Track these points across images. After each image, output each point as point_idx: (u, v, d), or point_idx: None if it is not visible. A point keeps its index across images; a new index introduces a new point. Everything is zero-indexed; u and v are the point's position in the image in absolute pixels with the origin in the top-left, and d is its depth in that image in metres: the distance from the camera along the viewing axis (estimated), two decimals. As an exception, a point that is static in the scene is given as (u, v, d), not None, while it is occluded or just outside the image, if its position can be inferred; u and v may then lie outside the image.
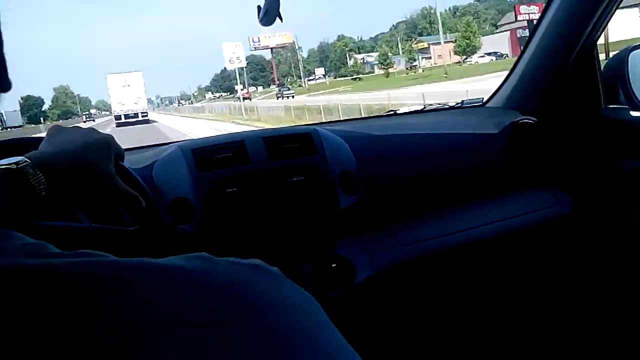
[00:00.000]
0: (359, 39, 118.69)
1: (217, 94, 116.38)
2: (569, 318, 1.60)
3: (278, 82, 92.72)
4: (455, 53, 62.46)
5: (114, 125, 37.27)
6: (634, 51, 1.50)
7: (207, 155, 1.22)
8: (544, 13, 1.50)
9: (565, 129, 1.51)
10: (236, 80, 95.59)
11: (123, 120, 39.91)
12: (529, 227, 1.45)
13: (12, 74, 0.36)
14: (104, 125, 41.07)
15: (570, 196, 1.49)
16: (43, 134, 0.93)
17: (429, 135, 1.49)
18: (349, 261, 1.25)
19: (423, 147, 1.46)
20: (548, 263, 1.54)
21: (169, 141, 1.42)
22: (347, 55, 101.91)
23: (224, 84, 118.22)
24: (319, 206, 1.24)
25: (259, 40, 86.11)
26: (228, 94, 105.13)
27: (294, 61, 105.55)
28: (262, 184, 1.20)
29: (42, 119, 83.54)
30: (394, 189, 1.38)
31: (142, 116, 41.12)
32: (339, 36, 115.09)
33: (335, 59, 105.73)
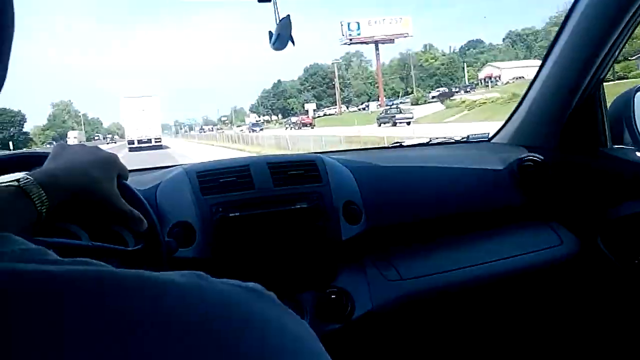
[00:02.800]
0: (452, 50, 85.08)
1: (266, 117, 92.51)
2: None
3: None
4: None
5: (127, 150, 37.28)
6: (640, 92, 1.51)
7: (211, 179, 1.22)
8: (549, 50, 1.51)
9: (571, 167, 1.51)
10: (295, 98, 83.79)
11: (136, 145, 39.33)
12: (533, 266, 1.43)
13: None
14: (118, 149, 41.28)
15: (575, 236, 1.48)
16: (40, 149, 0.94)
17: (434, 168, 1.49)
18: (348, 293, 1.24)
19: (427, 180, 1.46)
20: (551, 304, 1.52)
21: (174, 164, 1.43)
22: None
23: (276, 102, 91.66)
24: (321, 235, 1.23)
25: (359, 28, 56.56)
26: (280, 117, 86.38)
27: (366, 75, 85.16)
28: (266, 210, 1.20)
29: (11, 143, 58.57)
30: (397, 222, 1.38)
31: (156, 141, 40.54)
32: (425, 46, 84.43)
33: (419, 76, 78.99)
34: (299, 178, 1.26)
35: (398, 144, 1.82)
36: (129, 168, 1.06)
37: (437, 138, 1.92)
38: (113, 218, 1.11)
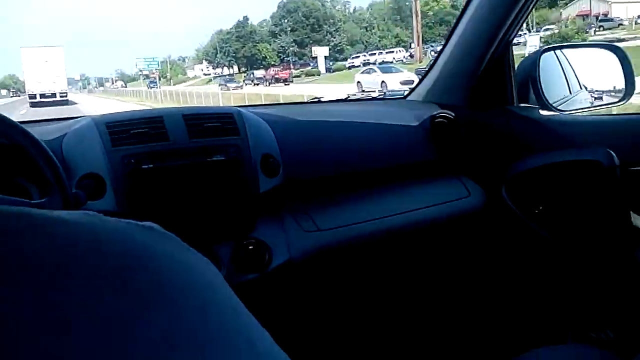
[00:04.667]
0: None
1: (221, 69, 69.83)
2: (476, 309, 1.68)
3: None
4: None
5: (28, 105, 34.42)
6: (545, 53, 1.59)
7: (122, 130, 1.16)
8: (463, 11, 1.55)
9: (479, 124, 1.58)
10: (267, 42, 61.61)
11: (38, 99, 35.92)
12: (443, 217, 1.50)
13: None
14: (15, 105, 37.35)
15: (482, 188, 1.57)
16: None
17: (351, 123, 1.51)
18: (266, 244, 1.25)
19: (345, 135, 1.48)
20: (460, 252, 1.60)
21: (81, 115, 1.35)
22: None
23: (240, 48, 66.27)
24: (238, 187, 1.22)
25: None
26: (246, 69, 63.35)
27: (358, 16, 63.21)
28: (181, 162, 1.17)
29: None
30: (314, 175, 1.39)
31: (61, 96, 37.04)
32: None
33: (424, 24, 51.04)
34: (216, 130, 1.23)
35: (317, 99, 1.82)
36: None
37: (354, 94, 1.93)
38: (15, 169, 1.04)
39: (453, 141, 1.55)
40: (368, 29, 62.49)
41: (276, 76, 44.00)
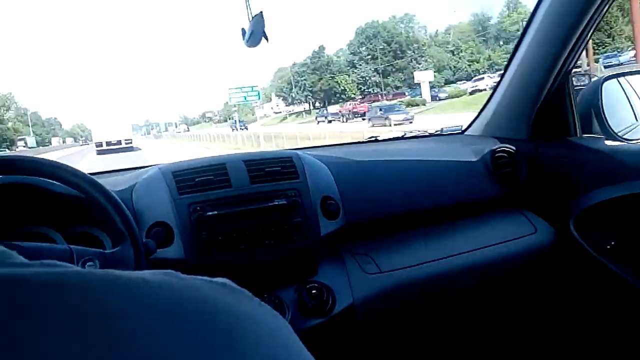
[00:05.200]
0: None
1: (293, 106, 63.60)
2: (547, 352, 1.60)
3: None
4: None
5: (95, 153, 35.92)
6: (607, 81, 1.55)
7: (187, 178, 1.21)
8: (519, 42, 1.54)
9: (542, 157, 1.54)
10: (345, 74, 54.61)
11: (104, 147, 36.68)
12: (508, 255, 1.46)
13: None
14: (84, 153, 38.74)
15: (548, 223, 1.51)
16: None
17: (409, 161, 1.51)
18: (329, 288, 1.25)
19: (404, 173, 1.47)
20: (528, 291, 1.54)
21: (149, 164, 1.41)
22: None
23: (317, 81, 57.93)
24: (300, 231, 1.23)
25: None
26: (320, 104, 57.36)
27: (441, 39, 55.98)
28: (243, 208, 1.20)
29: None
30: (374, 216, 1.38)
31: (126, 143, 37.73)
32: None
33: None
34: (276, 175, 1.26)
35: (373, 139, 1.83)
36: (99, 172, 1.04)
37: (411, 132, 1.93)
38: (89, 220, 1.10)
39: (515, 176, 1.52)
40: (455, 52, 55.22)
41: (354, 110, 38.97)
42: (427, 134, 1.88)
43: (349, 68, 57.68)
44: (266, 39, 1.12)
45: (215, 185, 1.21)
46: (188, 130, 69.13)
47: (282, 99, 66.32)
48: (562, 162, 1.52)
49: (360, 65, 56.17)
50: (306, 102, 61.08)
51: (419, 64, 52.88)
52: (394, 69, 53.87)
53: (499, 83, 1.65)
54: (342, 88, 56.36)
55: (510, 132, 1.59)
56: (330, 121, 39.56)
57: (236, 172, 1.24)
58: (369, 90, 54.84)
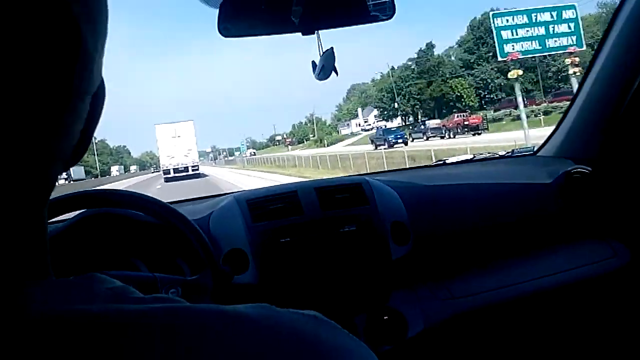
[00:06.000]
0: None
1: (381, 122, 54.70)
2: None
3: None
4: None
5: (163, 181, 35.34)
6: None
7: (261, 206, 1.26)
8: (593, 60, 1.49)
9: (621, 178, 1.47)
10: (456, 78, 44.65)
11: (172, 175, 37.12)
12: (586, 281, 1.40)
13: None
14: (151, 182, 37.97)
15: (628, 249, 1.44)
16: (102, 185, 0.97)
17: (479, 185, 1.49)
18: (401, 314, 1.25)
19: (474, 197, 1.45)
20: (606, 318, 1.47)
21: (225, 192, 1.46)
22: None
23: (424, 89, 47.96)
24: (371, 256, 1.24)
25: None
26: (431, 116, 46.71)
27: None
28: (315, 234, 1.22)
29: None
30: (445, 240, 1.37)
31: (193, 170, 38.08)
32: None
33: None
34: (346, 201, 1.28)
35: (442, 162, 1.81)
36: (166, 200, 1.10)
37: (481, 154, 1.91)
38: (170, 248, 1.14)
39: (592, 197, 1.46)
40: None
41: (465, 122, 32.23)
42: (496, 155, 1.85)
43: (463, 70, 46.56)
44: (336, 73, 1.15)
45: (287, 212, 1.25)
46: (254, 155, 65.20)
47: (382, 112, 54.94)
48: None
49: (479, 65, 44.90)
50: (413, 113, 49.81)
51: (554, 59, 39.92)
52: (521, 67, 43.10)
53: (573, 101, 1.59)
54: (458, 94, 45.96)
55: (585, 153, 1.54)
56: (429, 137, 33.97)
57: (307, 200, 1.27)
58: (491, 96, 44.96)
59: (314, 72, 1.19)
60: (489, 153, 1.86)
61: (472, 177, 1.54)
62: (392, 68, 54.03)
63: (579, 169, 1.48)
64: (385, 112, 54.21)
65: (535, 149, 1.72)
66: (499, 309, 1.34)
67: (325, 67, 1.13)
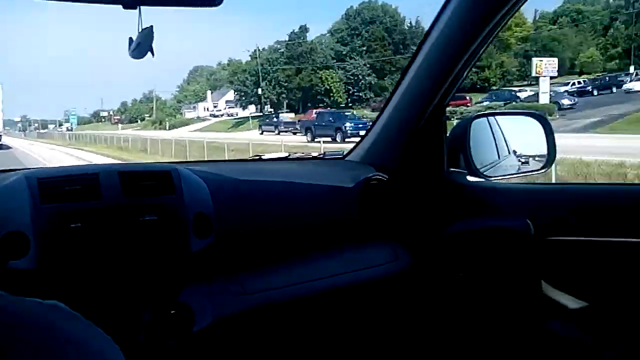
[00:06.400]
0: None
1: (235, 109, 50.68)
2: None
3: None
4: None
5: None
6: (476, 120, 1.68)
7: (54, 186, 1.16)
8: (404, 73, 1.61)
9: (410, 188, 1.63)
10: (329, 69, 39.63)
11: None
12: (369, 282, 1.51)
13: None
14: None
15: (409, 253, 1.59)
16: None
17: (288, 183, 1.53)
18: (189, 308, 1.23)
19: (281, 195, 1.49)
20: (384, 318, 1.60)
21: (18, 167, 1.33)
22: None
23: (294, 78, 43.84)
24: (168, 248, 1.22)
25: None
26: (298, 108, 42.88)
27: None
28: (111, 221, 1.17)
29: None
30: (248, 236, 1.39)
31: None
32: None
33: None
34: (151, 189, 1.24)
35: (258, 157, 1.85)
36: None
37: (295, 153, 1.98)
38: None
39: (385, 204, 1.59)
40: (562, 42, 43.09)
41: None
42: (310, 156, 1.93)
43: (335, 62, 42.38)
44: (152, 53, 1.12)
45: (83, 195, 1.17)
46: (71, 130, 57.45)
47: (243, 96, 48.61)
48: (429, 194, 1.62)
49: (352, 59, 41.13)
50: (278, 102, 44.31)
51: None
52: (392, 68, 39.08)
53: (382, 110, 1.71)
54: (327, 87, 42.20)
55: (386, 161, 1.66)
56: (280, 132, 32.64)
57: (108, 184, 1.20)
58: (360, 94, 41.74)
59: (129, 49, 1.14)
60: (302, 153, 1.94)
61: (283, 174, 1.58)
62: (259, 49, 49.02)
63: (377, 176, 1.60)
64: (245, 98, 48.94)
65: (345, 153, 1.82)
66: (289, 306, 1.39)
67: (142, 45, 1.09)
